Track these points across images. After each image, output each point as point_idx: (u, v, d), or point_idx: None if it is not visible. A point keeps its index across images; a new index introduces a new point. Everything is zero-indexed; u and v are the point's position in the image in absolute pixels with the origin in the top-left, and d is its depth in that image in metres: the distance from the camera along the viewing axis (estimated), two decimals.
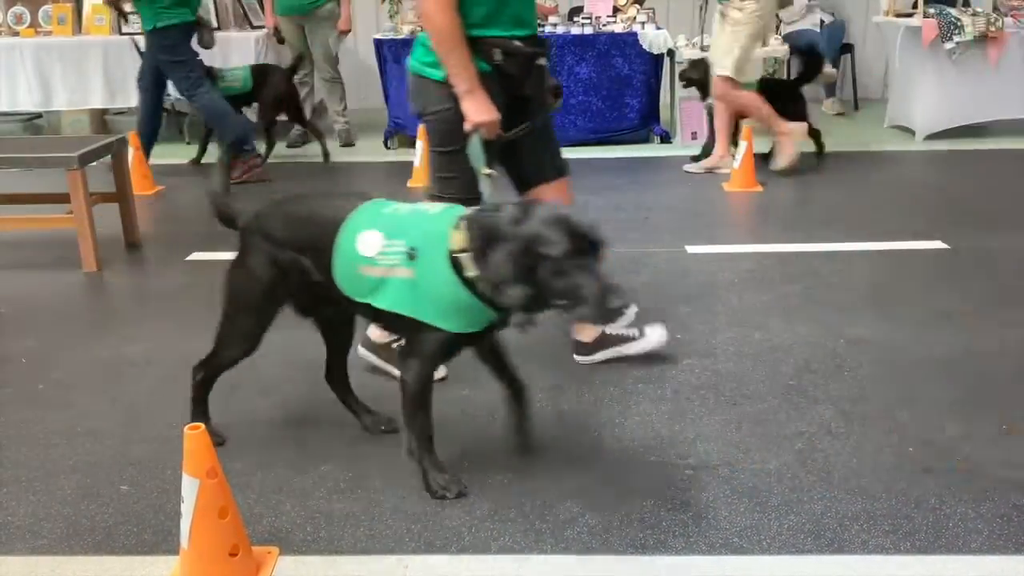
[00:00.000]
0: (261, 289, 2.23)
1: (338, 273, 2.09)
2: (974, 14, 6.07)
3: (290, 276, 2.19)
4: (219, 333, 2.33)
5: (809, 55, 5.65)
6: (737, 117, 5.44)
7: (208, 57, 6.14)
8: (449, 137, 2.48)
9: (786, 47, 6.44)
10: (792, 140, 5.26)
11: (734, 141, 5.39)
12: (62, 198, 3.93)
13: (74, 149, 3.84)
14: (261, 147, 5.96)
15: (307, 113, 6.75)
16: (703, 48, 6.41)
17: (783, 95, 5.49)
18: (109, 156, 4.19)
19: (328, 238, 2.10)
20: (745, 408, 2.54)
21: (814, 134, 5.60)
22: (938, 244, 3.98)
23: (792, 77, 6.39)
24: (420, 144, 5.45)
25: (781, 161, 5.31)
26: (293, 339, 3.10)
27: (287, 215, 2.25)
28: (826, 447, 2.33)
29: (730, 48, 5.10)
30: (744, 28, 5.05)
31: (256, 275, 2.22)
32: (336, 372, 2.50)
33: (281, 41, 6.67)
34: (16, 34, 6.88)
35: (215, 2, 6.97)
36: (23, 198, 4.40)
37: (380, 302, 2.05)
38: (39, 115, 7.76)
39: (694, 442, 2.36)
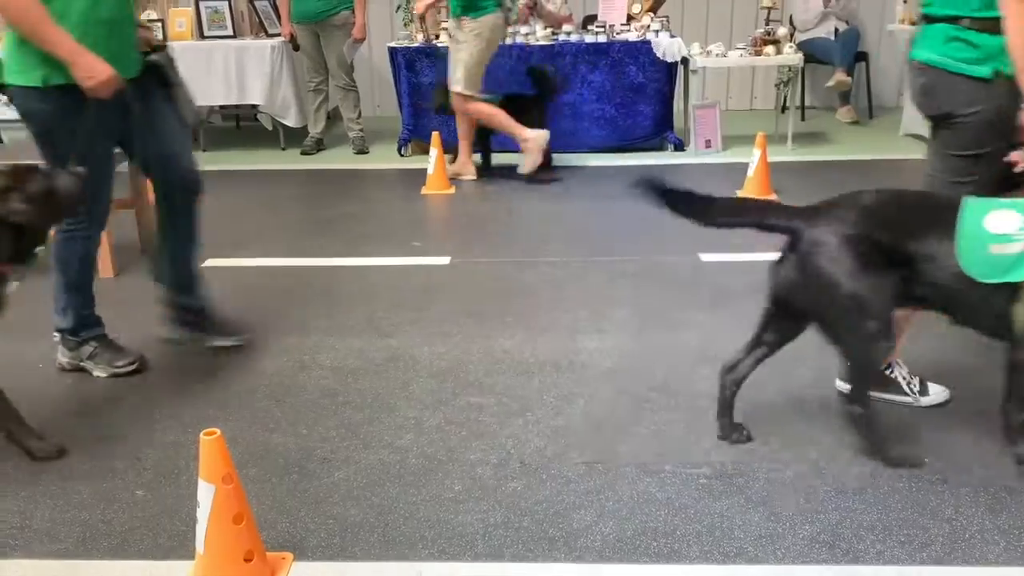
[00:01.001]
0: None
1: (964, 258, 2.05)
2: None
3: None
4: None
5: (540, 76, 5.86)
6: (475, 127, 5.72)
7: (223, 64, 6.20)
8: (981, 140, 2.34)
9: (800, 55, 6.43)
10: (536, 146, 5.46)
11: (477, 149, 5.83)
12: None
13: None
14: None
15: (321, 120, 6.80)
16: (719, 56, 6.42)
17: (528, 108, 5.72)
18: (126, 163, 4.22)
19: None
20: (759, 417, 2.53)
21: None
22: None
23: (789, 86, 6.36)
24: (434, 152, 5.47)
25: (526, 166, 5.50)
26: (307, 345, 3.12)
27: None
28: (841, 456, 2.31)
29: (459, 65, 5.40)
30: (466, 46, 5.34)
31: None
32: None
33: (296, 48, 6.72)
34: None
35: (231, 10, 7.03)
36: None
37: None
38: None
39: (708, 451, 2.36)
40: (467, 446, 2.41)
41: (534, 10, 7.12)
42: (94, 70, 2.46)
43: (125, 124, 2.71)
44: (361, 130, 6.80)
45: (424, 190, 5.45)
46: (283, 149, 6.92)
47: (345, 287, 3.73)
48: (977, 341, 2.36)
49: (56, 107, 2.54)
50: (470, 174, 5.71)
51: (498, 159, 5.92)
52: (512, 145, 5.73)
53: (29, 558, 1.99)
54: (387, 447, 2.42)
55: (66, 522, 2.11)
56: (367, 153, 6.76)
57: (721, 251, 4.09)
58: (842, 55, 7.11)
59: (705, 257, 4.01)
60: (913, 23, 6.50)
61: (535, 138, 5.45)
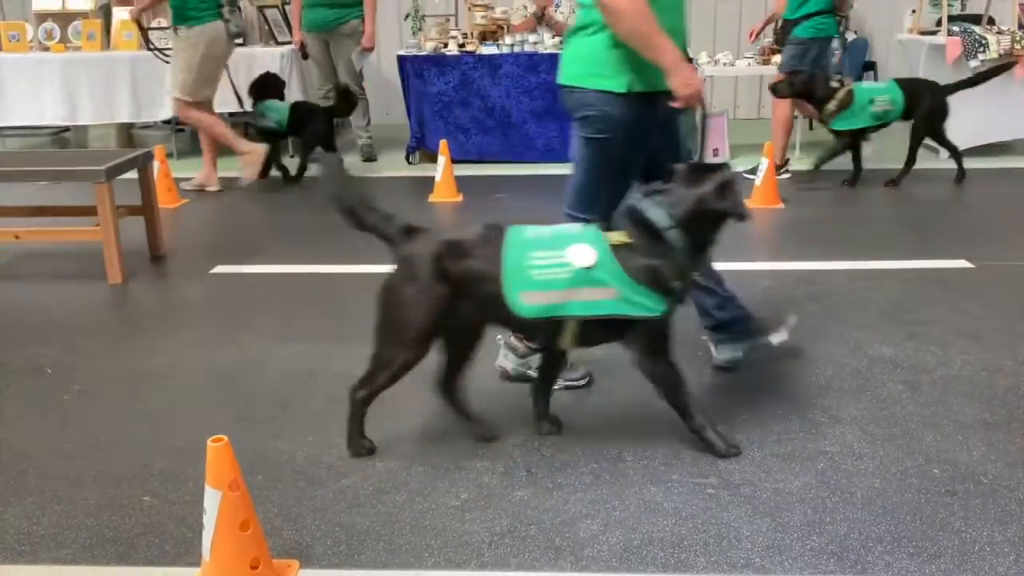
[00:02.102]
0: None
1: None
2: (999, 32, 6.04)
3: None
4: None
5: (343, 91, 6.07)
6: (211, 139, 5.89)
7: (233, 71, 6.23)
8: None
9: None
10: (254, 159, 5.62)
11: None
12: (89, 211, 3.98)
13: (102, 163, 3.89)
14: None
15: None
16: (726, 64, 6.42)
17: (317, 120, 5.89)
18: (135, 170, 4.24)
19: None
20: (766, 427, 2.52)
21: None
22: (963, 263, 3.95)
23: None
24: (441, 160, 5.49)
25: (244, 178, 5.69)
26: (314, 352, 3.13)
27: None
28: (849, 467, 2.31)
29: (178, 72, 5.56)
30: (181, 55, 5.53)
31: None
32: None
33: (306, 57, 6.74)
34: (47, 50, 6.99)
35: (240, 17, 7.06)
36: (51, 210, 4.46)
37: None
38: (66, 129, 7.88)
39: (715, 461, 2.35)
40: (473, 454, 2.41)
41: (542, 19, 7.15)
42: (691, 79, 2.43)
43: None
44: (370, 137, 6.82)
45: (431, 198, 5.46)
46: (291, 156, 6.95)
47: (352, 294, 3.73)
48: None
49: (634, 113, 2.51)
50: (213, 185, 5.86)
51: (510, 169, 5.91)
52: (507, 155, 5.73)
53: (36, 564, 1.99)
54: (393, 455, 2.42)
55: (73, 528, 2.12)
56: (375, 160, 6.78)
57: (729, 260, 4.08)
58: (850, 65, 7.11)
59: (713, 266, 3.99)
60: (922, 33, 6.51)
61: (253, 151, 5.63)
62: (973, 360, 2.94)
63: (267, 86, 5.96)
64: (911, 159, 5.59)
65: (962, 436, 2.45)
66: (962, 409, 2.60)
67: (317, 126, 5.88)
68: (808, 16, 5.52)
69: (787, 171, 5.90)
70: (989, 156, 6.14)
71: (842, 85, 5.33)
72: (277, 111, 5.84)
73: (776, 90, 5.45)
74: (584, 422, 2.59)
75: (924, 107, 5.43)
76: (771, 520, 2.09)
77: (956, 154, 5.65)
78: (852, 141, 5.49)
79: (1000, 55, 5.91)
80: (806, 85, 5.32)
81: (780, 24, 6.40)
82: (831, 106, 5.29)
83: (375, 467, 2.36)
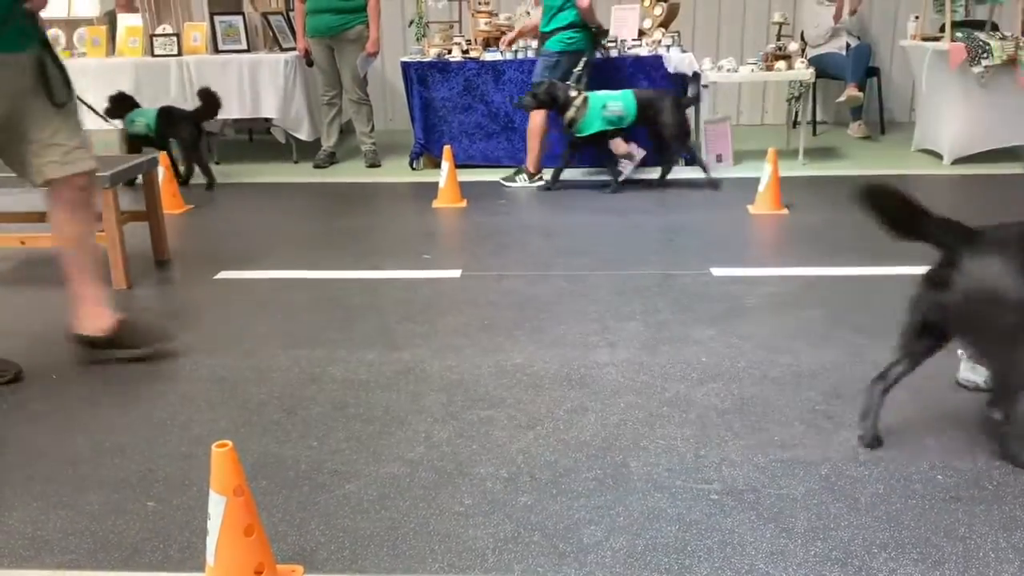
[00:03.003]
0: None
1: None
2: (1002, 38, 6.04)
3: None
4: None
5: (206, 96, 6.11)
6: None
7: (237, 78, 6.26)
8: None
9: (812, 70, 6.43)
10: None
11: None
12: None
13: (106, 169, 3.91)
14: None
15: (334, 133, 6.84)
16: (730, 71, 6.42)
17: (184, 124, 6.03)
18: (140, 176, 4.26)
19: None
20: (771, 433, 2.52)
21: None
22: None
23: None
24: (445, 165, 5.50)
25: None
26: (318, 357, 3.13)
27: None
28: (853, 473, 2.30)
29: None
30: None
31: None
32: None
33: (311, 64, 6.76)
34: None
35: (245, 25, 7.09)
36: None
37: None
38: None
39: (719, 466, 2.35)
40: (477, 460, 2.41)
41: None
42: None
43: None
44: (373, 144, 6.84)
45: (435, 203, 5.48)
46: (295, 162, 6.97)
47: (356, 300, 3.74)
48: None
49: None
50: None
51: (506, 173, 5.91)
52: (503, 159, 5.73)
53: (41, 568, 2.00)
54: (397, 460, 2.42)
55: (77, 533, 2.12)
56: (379, 167, 6.80)
57: (732, 265, 4.09)
58: (854, 70, 7.12)
59: (716, 271, 4.00)
60: (925, 39, 6.51)
61: None
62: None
63: (123, 102, 6.20)
64: (668, 167, 5.91)
65: (966, 442, 2.45)
66: (966, 415, 2.60)
67: (185, 130, 6.08)
68: (557, 30, 5.83)
69: (540, 178, 6.05)
70: (993, 162, 6.14)
71: (579, 94, 5.62)
72: (145, 116, 6.09)
73: (522, 103, 5.70)
74: (587, 428, 2.59)
75: (664, 116, 5.69)
76: (775, 526, 2.08)
77: (667, 166, 5.97)
78: (575, 147, 5.79)
79: (1004, 60, 5.91)
80: (548, 95, 5.60)
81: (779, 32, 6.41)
82: (571, 113, 5.58)
83: (378, 472, 2.36)
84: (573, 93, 5.59)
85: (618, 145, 5.92)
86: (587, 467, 2.36)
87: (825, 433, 2.52)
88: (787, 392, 2.79)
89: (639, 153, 6.05)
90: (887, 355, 3.03)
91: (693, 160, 6.00)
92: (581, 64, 5.85)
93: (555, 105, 5.61)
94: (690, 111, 6.61)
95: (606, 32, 6.24)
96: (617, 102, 5.62)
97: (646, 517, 2.13)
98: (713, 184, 5.76)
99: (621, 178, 5.88)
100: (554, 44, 5.85)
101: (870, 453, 2.40)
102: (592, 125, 5.60)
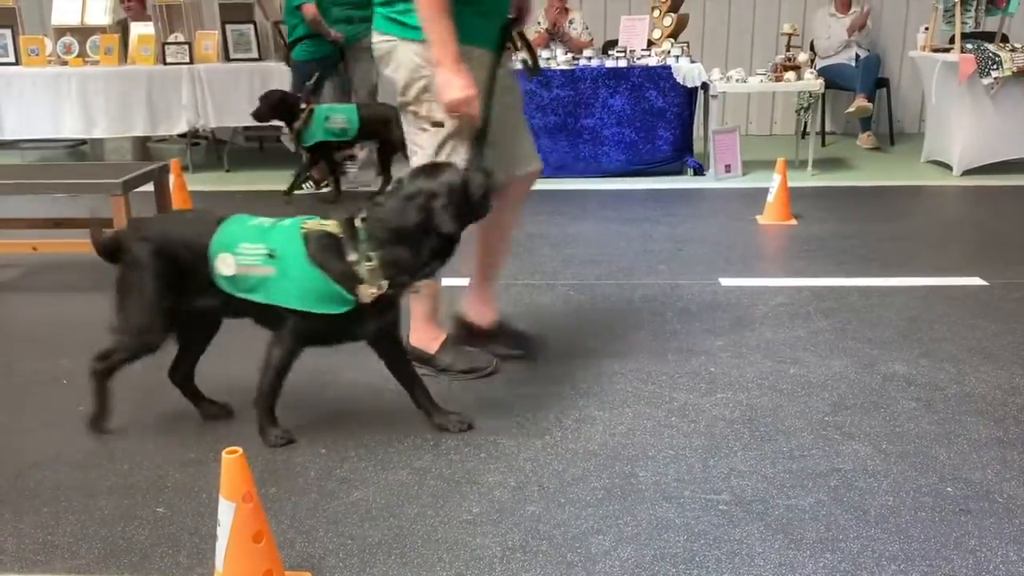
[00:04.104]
0: None
1: None
2: (1012, 49, 6.04)
3: None
4: None
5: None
6: None
7: (248, 86, 6.30)
8: None
9: (821, 81, 6.44)
10: None
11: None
12: (105, 223, 4.01)
13: (119, 176, 3.94)
14: None
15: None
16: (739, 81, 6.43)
17: None
18: (151, 182, 4.29)
19: None
20: (779, 443, 2.52)
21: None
22: (976, 280, 3.94)
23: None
24: None
25: None
26: (328, 364, 3.14)
27: None
28: (862, 485, 2.30)
29: None
30: None
31: None
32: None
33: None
34: (65, 64, 7.08)
35: (256, 33, 7.14)
36: (67, 222, 4.51)
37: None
38: (83, 142, 7.96)
39: (728, 477, 2.35)
40: (485, 468, 2.41)
41: (555, 35, 7.19)
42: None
43: None
44: None
45: None
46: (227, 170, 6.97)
47: None
48: None
49: None
50: None
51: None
52: None
53: (52, 573, 2.01)
54: (406, 468, 2.43)
55: (87, 538, 2.13)
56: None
57: (741, 276, 4.09)
58: (863, 81, 7.12)
59: (725, 282, 4.00)
60: (935, 50, 6.51)
61: None
62: (987, 378, 2.93)
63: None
64: (386, 175, 5.99)
65: (976, 454, 2.44)
66: (976, 427, 2.59)
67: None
68: (300, 40, 6.10)
69: (327, 185, 6.25)
70: (1003, 173, 6.13)
71: (308, 105, 5.77)
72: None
73: (257, 114, 5.83)
74: (595, 437, 2.58)
75: (387, 130, 5.74)
76: (784, 537, 2.08)
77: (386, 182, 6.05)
78: (315, 156, 5.93)
79: (1013, 72, 5.91)
80: (281, 103, 5.77)
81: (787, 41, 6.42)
82: (297, 124, 5.74)
83: (387, 480, 2.36)
84: (303, 105, 5.77)
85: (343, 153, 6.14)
86: (595, 476, 2.36)
87: (834, 444, 2.51)
88: (796, 403, 2.78)
89: (361, 153, 6.31)
90: (896, 366, 3.04)
91: None
92: (315, 75, 6.05)
93: (284, 115, 5.77)
94: (696, 120, 6.62)
95: (340, 42, 6.33)
96: (340, 115, 5.80)
97: (654, 527, 2.13)
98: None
99: (345, 180, 6.16)
100: (299, 54, 6.15)
101: (879, 464, 2.39)
102: (315, 136, 5.75)
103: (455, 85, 2.53)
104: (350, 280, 2.35)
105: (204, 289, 2.47)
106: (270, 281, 2.40)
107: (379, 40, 2.77)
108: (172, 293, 2.48)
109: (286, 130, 6.78)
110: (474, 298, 3.13)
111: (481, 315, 3.12)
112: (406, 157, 5.70)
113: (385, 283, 2.36)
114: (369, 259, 2.35)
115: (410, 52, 2.64)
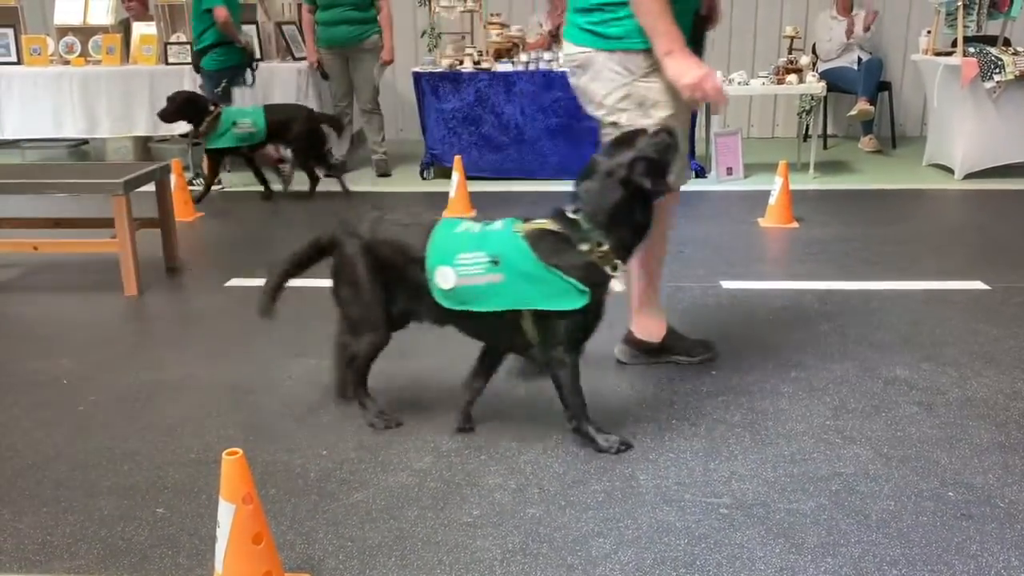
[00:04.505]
0: None
1: None
2: (1015, 53, 6.03)
3: None
4: None
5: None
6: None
7: (253, 90, 6.30)
8: None
9: (823, 84, 6.43)
10: None
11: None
12: (106, 223, 4.02)
13: (120, 176, 3.93)
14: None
15: (346, 142, 6.87)
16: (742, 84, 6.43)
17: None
18: (152, 182, 4.28)
19: None
20: (780, 447, 2.51)
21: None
22: (978, 284, 3.93)
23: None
24: (455, 176, 5.51)
25: None
26: (328, 366, 3.13)
27: None
28: (863, 489, 2.29)
29: None
30: None
31: None
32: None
33: (325, 77, 6.77)
34: (67, 63, 7.08)
35: (258, 34, 7.14)
36: (68, 222, 4.51)
37: None
38: (85, 141, 7.97)
39: (729, 480, 2.34)
40: (486, 470, 2.41)
41: (557, 37, 7.18)
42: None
43: None
44: (384, 153, 6.86)
45: (445, 214, 5.48)
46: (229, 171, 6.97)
47: None
48: None
49: None
50: None
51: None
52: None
53: (50, 574, 2.00)
54: (406, 470, 2.42)
55: (87, 539, 2.12)
56: (390, 176, 6.82)
57: (743, 279, 4.09)
58: (865, 84, 7.12)
59: (727, 285, 4.00)
60: (937, 53, 6.51)
61: None
62: (989, 382, 2.92)
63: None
64: (312, 178, 6.04)
65: (978, 459, 2.43)
66: (978, 432, 2.58)
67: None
68: (209, 48, 6.13)
69: (219, 181, 6.30)
70: (1005, 177, 6.12)
71: (215, 108, 5.79)
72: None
73: (163, 114, 5.84)
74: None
75: (296, 132, 5.87)
76: (785, 541, 2.07)
77: (339, 175, 6.15)
78: (213, 161, 5.95)
79: (1016, 76, 5.90)
80: (188, 105, 5.79)
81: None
82: (203, 127, 5.76)
83: (388, 482, 2.36)
84: (211, 107, 5.79)
85: (267, 156, 6.20)
86: (596, 479, 2.36)
87: (835, 448, 2.51)
88: (797, 406, 2.78)
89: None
90: (898, 370, 3.03)
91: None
92: (224, 82, 6.07)
93: (192, 117, 5.79)
94: (697, 123, 6.62)
95: (248, 48, 6.40)
96: (247, 119, 5.82)
97: (655, 530, 2.12)
98: (346, 191, 6.09)
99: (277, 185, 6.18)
100: (207, 63, 6.20)
101: (880, 468, 2.38)
102: (222, 140, 5.78)
103: (691, 67, 2.52)
104: (591, 271, 2.35)
105: (410, 295, 2.50)
106: (499, 288, 2.36)
107: (574, 51, 2.74)
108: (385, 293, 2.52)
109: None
110: (640, 315, 3.06)
111: (648, 331, 3.05)
112: (309, 158, 5.55)
113: (619, 264, 2.37)
114: (600, 244, 2.34)
115: (610, 62, 2.63)
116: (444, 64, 6.60)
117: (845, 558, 2.01)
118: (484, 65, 6.53)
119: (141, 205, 4.17)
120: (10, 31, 7.20)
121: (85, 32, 7.23)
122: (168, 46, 7.01)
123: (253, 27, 7.11)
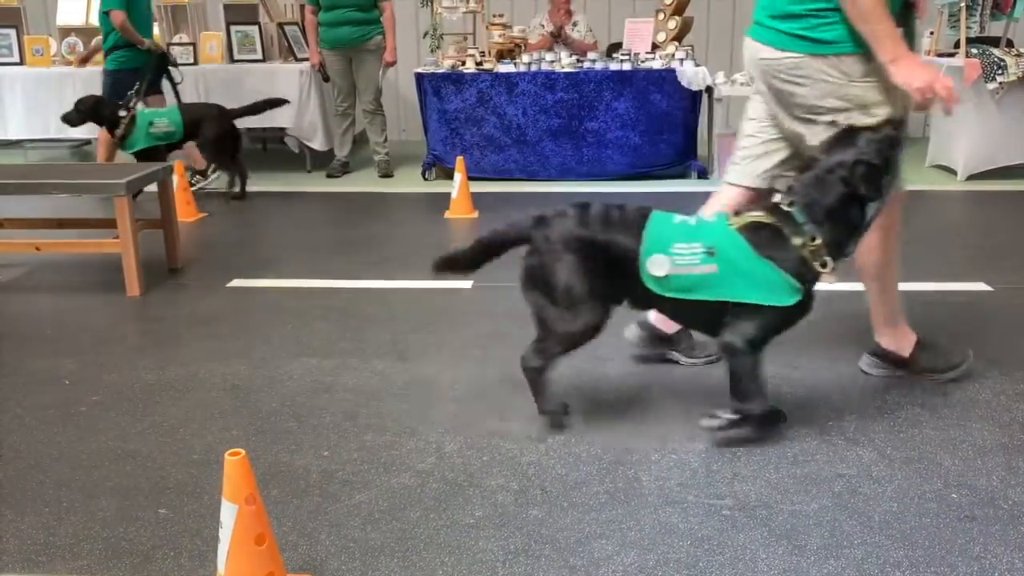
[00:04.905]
0: None
1: None
2: (1018, 54, 6.03)
3: None
4: None
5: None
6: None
7: (252, 87, 6.28)
8: None
9: None
10: None
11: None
12: (108, 223, 4.02)
13: (122, 176, 3.93)
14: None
15: (348, 143, 6.87)
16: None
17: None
18: (155, 183, 4.29)
19: None
20: (783, 448, 2.51)
21: None
22: (981, 286, 3.92)
23: None
24: (458, 176, 5.51)
25: None
26: (330, 366, 3.14)
27: None
28: (866, 490, 2.29)
29: None
30: None
31: None
32: None
33: (327, 79, 6.77)
34: (70, 63, 7.08)
35: (260, 35, 7.14)
36: (71, 223, 4.51)
37: None
38: (87, 142, 7.97)
39: (731, 481, 2.34)
40: (488, 472, 2.41)
41: (559, 38, 7.19)
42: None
43: None
44: (387, 154, 6.86)
45: (447, 214, 5.49)
46: (309, 172, 7.00)
47: (368, 309, 3.75)
48: None
49: None
50: None
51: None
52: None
53: (52, 574, 2.00)
54: (408, 471, 2.42)
55: (89, 539, 2.12)
56: (392, 177, 6.82)
57: None
58: None
59: None
60: (940, 55, 6.50)
61: None
62: (992, 384, 2.91)
63: None
64: (242, 174, 6.08)
65: (981, 460, 2.43)
66: (981, 433, 2.58)
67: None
68: (113, 49, 6.07)
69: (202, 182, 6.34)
70: (1007, 178, 6.11)
71: (129, 111, 5.75)
72: None
73: (68, 119, 5.81)
74: (598, 441, 2.58)
75: (211, 131, 5.88)
76: (788, 543, 2.07)
77: (243, 178, 6.11)
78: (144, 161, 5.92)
79: (1019, 77, 5.90)
80: (93, 110, 5.76)
81: None
82: (120, 131, 5.72)
83: (389, 483, 2.36)
84: (122, 112, 5.74)
85: (196, 159, 6.21)
86: (598, 480, 2.36)
87: (838, 449, 2.50)
88: (800, 407, 2.77)
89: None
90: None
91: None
92: (136, 86, 5.97)
93: (101, 121, 5.77)
94: (700, 124, 6.62)
95: (155, 50, 6.23)
96: (163, 119, 5.82)
97: (657, 532, 2.12)
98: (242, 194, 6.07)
99: (199, 185, 6.21)
100: (110, 63, 6.14)
101: (884, 470, 2.38)
102: (139, 142, 5.75)
103: (920, 70, 2.51)
104: (803, 266, 2.37)
105: (624, 284, 2.49)
106: (714, 279, 2.38)
107: (779, 56, 2.66)
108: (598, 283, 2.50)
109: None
110: (886, 326, 2.99)
111: (899, 342, 2.98)
112: (221, 156, 5.66)
113: (830, 261, 2.38)
114: (814, 239, 2.36)
115: (823, 67, 2.61)
116: (446, 65, 6.60)
117: (848, 560, 2.00)
118: (486, 66, 6.53)
119: (141, 205, 4.17)
120: (12, 31, 7.21)
121: (87, 33, 7.23)
122: (170, 47, 7.00)
123: (255, 28, 7.11)
